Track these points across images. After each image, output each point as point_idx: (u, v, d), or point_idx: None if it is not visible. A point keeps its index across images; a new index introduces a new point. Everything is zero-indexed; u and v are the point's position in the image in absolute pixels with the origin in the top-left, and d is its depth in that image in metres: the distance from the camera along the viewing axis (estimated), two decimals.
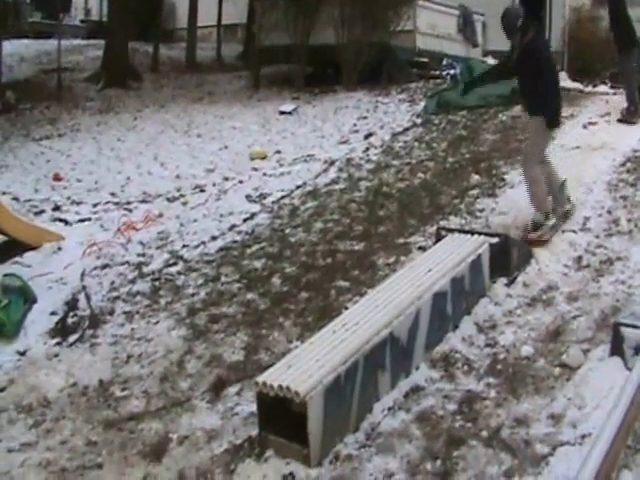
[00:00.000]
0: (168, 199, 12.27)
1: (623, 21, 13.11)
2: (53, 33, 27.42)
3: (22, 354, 7.74)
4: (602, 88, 16.74)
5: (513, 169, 10.81)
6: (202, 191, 12.52)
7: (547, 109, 8.62)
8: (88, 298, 8.62)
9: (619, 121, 13.05)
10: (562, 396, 5.80)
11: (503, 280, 7.68)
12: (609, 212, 9.23)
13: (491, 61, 18.01)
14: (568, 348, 6.48)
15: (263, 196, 11.61)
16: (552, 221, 8.76)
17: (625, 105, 13.30)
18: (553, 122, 8.72)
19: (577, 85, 16.97)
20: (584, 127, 13.00)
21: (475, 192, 10.35)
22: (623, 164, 10.83)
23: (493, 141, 12.67)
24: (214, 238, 10.04)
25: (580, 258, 8.19)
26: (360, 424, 5.71)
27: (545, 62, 8.69)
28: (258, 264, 9.04)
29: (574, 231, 8.75)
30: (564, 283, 7.71)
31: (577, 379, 5.96)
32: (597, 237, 8.64)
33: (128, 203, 12.19)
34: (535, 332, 6.88)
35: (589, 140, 12.01)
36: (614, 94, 15.22)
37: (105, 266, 9.46)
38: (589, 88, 16.80)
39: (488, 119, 14.06)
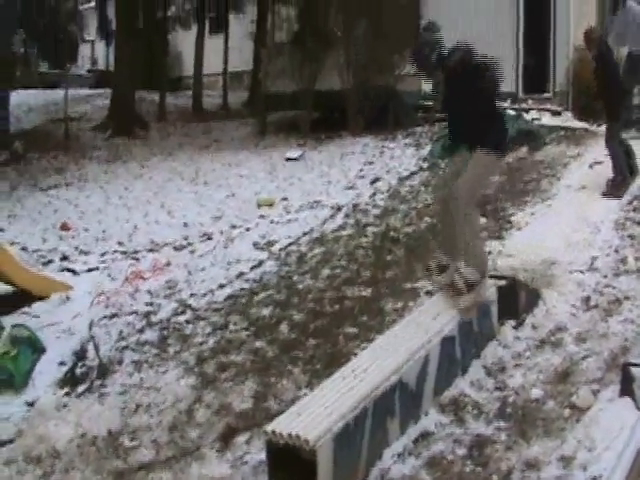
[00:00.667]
0: (175, 247, 12.29)
1: (614, 86, 11.69)
2: (60, 83, 27.71)
3: (31, 405, 7.75)
4: None
5: (520, 210, 10.84)
6: (209, 239, 12.55)
7: (492, 135, 7.04)
8: (96, 348, 8.60)
9: (604, 195, 11.34)
10: (572, 438, 5.75)
11: (511, 322, 7.65)
12: (616, 251, 9.22)
13: None
14: (577, 389, 6.45)
15: (270, 243, 11.63)
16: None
17: (611, 175, 11.69)
18: (500, 149, 7.21)
19: (583, 124, 17.03)
20: (590, 167, 13.03)
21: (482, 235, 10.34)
22: (630, 202, 10.85)
23: (499, 183, 12.64)
24: (222, 286, 10.05)
25: (588, 298, 8.16)
26: (370, 470, 5.66)
27: (485, 85, 6.93)
28: (266, 311, 9.03)
29: (582, 271, 8.73)
30: (573, 324, 7.67)
31: (587, 420, 5.91)
32: (605, 277, 8.62)
33: (136, 252, 12.22)
34: (544, 374, 6.85)
35: (595, 179, 12.02)
36: None
37: (113, 316, 9.47)
38: (594, 127, 16.82)
39: None
